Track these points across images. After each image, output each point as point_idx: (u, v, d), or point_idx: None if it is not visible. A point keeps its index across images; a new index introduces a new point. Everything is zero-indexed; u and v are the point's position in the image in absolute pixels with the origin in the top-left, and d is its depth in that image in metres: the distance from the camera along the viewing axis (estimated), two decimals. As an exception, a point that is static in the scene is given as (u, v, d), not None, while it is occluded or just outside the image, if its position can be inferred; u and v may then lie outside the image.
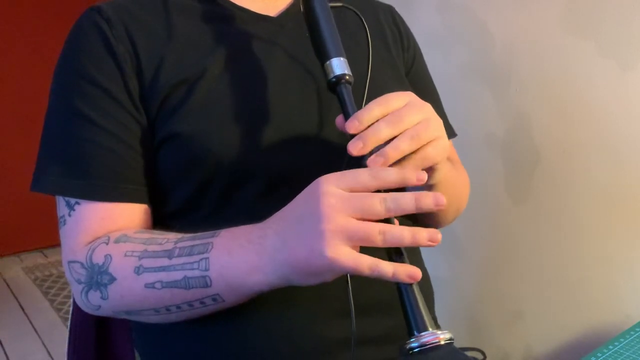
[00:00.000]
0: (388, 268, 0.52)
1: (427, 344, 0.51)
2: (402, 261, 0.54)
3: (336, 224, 0.51)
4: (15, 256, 3.24)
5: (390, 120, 0.56)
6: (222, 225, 0.62)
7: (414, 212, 0.52)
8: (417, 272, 0.52)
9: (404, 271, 0.52)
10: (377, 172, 0.53)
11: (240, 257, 0.58)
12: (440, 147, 0.60)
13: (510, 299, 1.29)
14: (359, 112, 0.57)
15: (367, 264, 0.52)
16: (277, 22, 0.76)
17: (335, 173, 0.54)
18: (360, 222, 0.52)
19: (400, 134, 0.56)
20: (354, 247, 0.52)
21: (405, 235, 0.52)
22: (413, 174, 0.54)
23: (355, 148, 0.55)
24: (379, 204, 0.52)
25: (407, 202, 0.52)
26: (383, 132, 0.56)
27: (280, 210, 0.58)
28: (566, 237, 1.15)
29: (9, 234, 3.18)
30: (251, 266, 0.57)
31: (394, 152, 0.56)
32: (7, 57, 3.05)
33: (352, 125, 0.56)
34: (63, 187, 0.67)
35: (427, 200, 0.52)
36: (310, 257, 0.53)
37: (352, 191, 0.53)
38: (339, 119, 0.60)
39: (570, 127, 1.10)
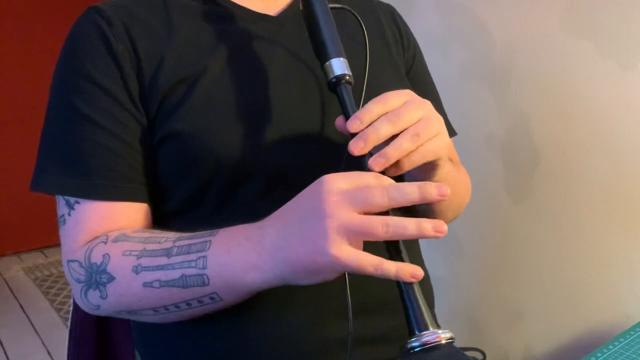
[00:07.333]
0: (391, 267, 0.52)
1: (428, 344, 0.51)
2: (400, 259, 0.54)
3: (339, 220, 0.51)
4: (15, 256, 3.23)
5: (390, 118, 0.56)
6: (222, 224, 0.61)
7: (418, 202, 0.52)
8: (419, 272, 0.52)
9: (407, 271, 0.52)
10: (380, 177, 0.54)
11: (238, 255, 0.58)
12: (441, 143, 0.60)
13: (510, 299, 1.29)
14: (359, 111, 0.57)
15: (371, 262, 0.51)
16: (277, 21, 0.76)
17: (340, 173, 0.54)
18: (363, 216, 0.51)
19: (401, 132, 0.57)
20: (357, 243, 0.52)
21: (409, 226, 0.51)
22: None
23: (356, 147, 0.55)
24: (381, 195, 0.51)
25: (411, 191, 0.51)
26: (383, 130, 0.56)
27: (281, 208, 0.58)
28: (566, 237, 1.15)
29: (9, 234, 3.18)
30: (249, 264, 0.57)
31: (395, 151, 0.56)
32: (7, 57, 3.05)
33: (353, 125, 0.56)
34: (62, 187, 0.67)
35: (431, 190, 0.52)
36: (313, 255, 0.53)
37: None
38: (339, 119, 0.61)
39: (570, 127, 1.10)
